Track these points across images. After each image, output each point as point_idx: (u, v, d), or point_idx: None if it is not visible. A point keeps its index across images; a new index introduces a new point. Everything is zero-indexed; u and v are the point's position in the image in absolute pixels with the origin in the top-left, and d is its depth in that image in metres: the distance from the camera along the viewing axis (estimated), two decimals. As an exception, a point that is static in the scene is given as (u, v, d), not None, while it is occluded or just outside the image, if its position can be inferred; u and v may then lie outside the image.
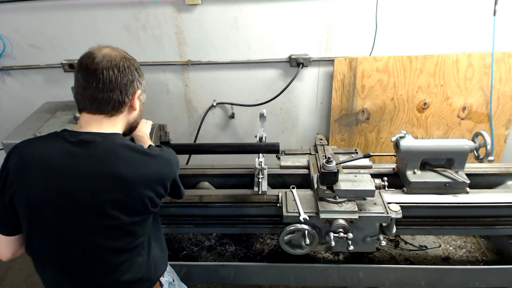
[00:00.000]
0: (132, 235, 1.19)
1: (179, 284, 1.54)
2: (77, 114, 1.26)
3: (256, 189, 1.91)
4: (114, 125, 1.19)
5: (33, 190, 1.10)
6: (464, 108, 2.51)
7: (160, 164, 1.21)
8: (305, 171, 2.09)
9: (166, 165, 1.24)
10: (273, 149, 1.93)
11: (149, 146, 1.34)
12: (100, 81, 1.11)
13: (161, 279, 1.37)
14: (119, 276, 1.21)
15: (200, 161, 2.93)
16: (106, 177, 1.10)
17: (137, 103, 1.23)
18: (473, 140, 1.91)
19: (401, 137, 1.88)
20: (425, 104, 2.52)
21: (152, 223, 1.28)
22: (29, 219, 1.12)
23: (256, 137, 2.02)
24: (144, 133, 1.52)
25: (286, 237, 1.79)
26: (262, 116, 2.06)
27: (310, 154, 2.19)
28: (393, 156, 1.99)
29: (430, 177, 1.89)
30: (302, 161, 2.14)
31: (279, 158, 2.17)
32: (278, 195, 1.87)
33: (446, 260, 2.36)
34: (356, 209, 1.67)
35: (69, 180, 1.09)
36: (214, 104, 2.65)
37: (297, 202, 1.78)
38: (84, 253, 1.16)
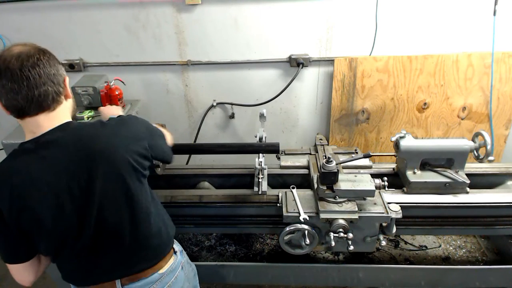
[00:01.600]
0: (137, 202, 1.24)
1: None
2: (30, 132, 1.18)
3: (256, 189, 1.91)
4: (61, 117, 1.19)
5: (35, 205, 1.11)
6: (464, 108, 2.51)
7: (125, 126, 1.25)
8: (305, 171, 2.09)
9: (132, 125, 1.28)
10: (273, 149, 1.92)
11: (109, 118, 1.34)
12: (30, 79, 1.07)
13: (174, 246, 1.46)
14: (139, 244, 1.29)
15: (200, 161, 2.93)
16: (85, 161, 1.13)
17: (69, 91, 1.24)
18: (473, 140, 1.91)
19: (401, 137, 1.88)
20: (425, 104, 2.52)
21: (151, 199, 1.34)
22: (43, 235, 1.16)
23: (256, 137, 2.02)
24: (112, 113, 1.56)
25: (286, 237, 1.79)
26: (262, 116, 2.06)
27: (310, 154, 2.19)
28: (393, 156, 1.99)
29: (430, 177, 1.89)
30: (302, 161, 2.14)
31: (279, 158, 2.17)
32: (278, 195, 1.87)
33: (446, 260, 2.36)
34: (356, 209, 1.67)
35: (57, 181, 1.11)
36: (214, 104, 2.66)
37: (297, 202, 1.78)
38: (103, 236, 1.22)
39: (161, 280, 1.37)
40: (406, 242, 2.47)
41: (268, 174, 2.03)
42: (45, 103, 1.12)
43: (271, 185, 2.07)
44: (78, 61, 2.51)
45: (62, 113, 1.20)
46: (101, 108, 1.70)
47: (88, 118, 2.01)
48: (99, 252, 1.26)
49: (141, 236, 1.29)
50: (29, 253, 1.23)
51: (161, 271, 1.36)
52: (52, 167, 1.12)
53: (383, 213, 1.70)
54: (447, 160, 1.92)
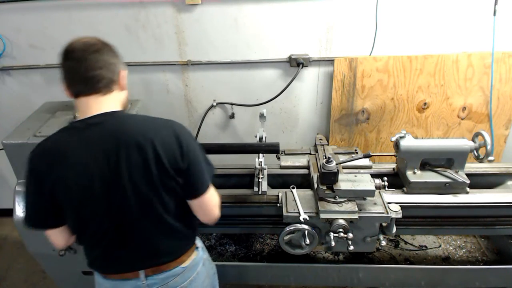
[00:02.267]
0: (165, 197, 1.25)
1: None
2: (77, 114, 1.28)
3: (256, 189, 1.91)
4: (111, 104, 1.26)
5: (69, 180, 1.19)
6: (464, 108, 2.51)
7: (171, 125, 1.28)
8: (305, 171, 2.09)
9: (177, 127, 1.28)
10: (273, 149, 1.92)
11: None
12: (88, 61, 1.20)
13: (197, 242, 1.49)
14: (164, 237, 1.32)
15: (200, 161, 2.92)
16: (122, 147, 1.17)
17: (125, 83, 1.32)
18: (473, 140, 1.91)
19: (401, 137, 1.88)
20: (425, 104, 2.52)
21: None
22: (75, 205, 1.23)
23: (256, 137, 2.02)
24: None
25: (286, 237, 1.79)
26: (262, 116, 2.06)
27: (310, 154, 2.19)
28: (393, 156, 1.99)
29: (430, 177, 1.89)
30: (302, 161, 2.14)
31: (279, 158, 2.17)
32: (278, 195, 1.87)
33: (446, 260, 2.35)
34: (356, 209, 1.67)
35: (92, 163, 1.18)
36: (214, 104, 2.66)
37: (297, 202, 1.78)
38: (128, 225, 1.26)
39: (183, 274, 1.39)
40: (406, 242, 2.47)
41: (268, 174, 2.03)
42: (98, 86, 1.22)
43: (271, 185, 2.07)
44: (78, 61, 2.51)
45: (113, 101, 1.27)
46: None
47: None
48: (124, 241, 1.29)
49: (166, 229, 1.31)
50: (57, 221, 1.31)
51: (183, 265, 1.39)
52: (92, 148, 1.18)
53: (383, 213, 1.70)
54: (447, 160, 1.92)
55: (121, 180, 1.19)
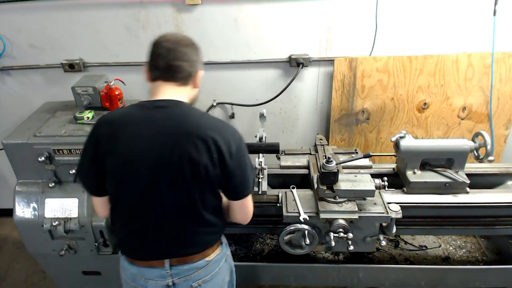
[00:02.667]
0: (211, 186, 1.30)
1: None
2: (153, 94, 1.37)
3: (256, 189, 1.91)
4: (182, 95, 1.35)
5: (121, 151, 1.26)
6: (464, 108, 2.51)
7: (225, 126, 1.34)
8: (305, 171, 2.09)
9: (230, 129, 1.34)
10: (273, 149, 1.92)
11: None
12: (177, 52, 1.31)
13: (221, 238, 1.52)
14: (197, 228, 1.35)
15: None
16: (180, 135, 1.24)
17: (199, 82, 1.42)
18: (473, 140, 1.91)
19: (401, 137, 1.88)
20: (425, 104, 2.52)
21: None
22: (118, 177, 1.29)
23: (256, 137, 2.02)
24: None
25: (286, 237, 1.79)
26: (262, 116, 2.06)
27: (310, 154, 2.19)
28: (393, 156, 1.99)
29: (430, 177, 1.89)
30: (302, 161, 2.14)
31: (279, 158, 2.17)
32: (278, 195, 1.87)
33: (446, 260, 2.36)
34: (356, 209, 1.67)
35: (147, 140, 1.25)
36: (214, 104, 2.66)
37: (297, 202, 1.78)
38: (165, 210, 1.30)
39: (207, 268, 1.41)
40: (406, 242, 2.47)
41: (268, 174, 2.03)
42: (177, 75, 1.33)
43: (271, 185, 2.07)
44: (78, 61, 2.51)
45: (184, 93, 1.36)
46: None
47: (88, 118, 2.01)
48: (157, 224, 1.32)
49: (200, 221, 1.35)
50: (100, 190, 1.39)
51: (207, 259, 1.41)
52: (152, 128, 1.25)
53: (383, 213, 1.70)
54: (447, 160, 1.92)
55: (170, 165, 1.23)
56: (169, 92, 1.33)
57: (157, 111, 1.28)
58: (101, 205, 1.44)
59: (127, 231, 1.38)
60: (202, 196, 1.30)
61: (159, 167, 1.24)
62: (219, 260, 1.47)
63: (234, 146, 1.29)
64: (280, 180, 2.11)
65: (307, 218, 1.71)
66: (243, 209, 1.43)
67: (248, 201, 1.42)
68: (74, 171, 1.90)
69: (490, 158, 1.85)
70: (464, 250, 2.42)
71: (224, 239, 1.55)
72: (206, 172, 1.25)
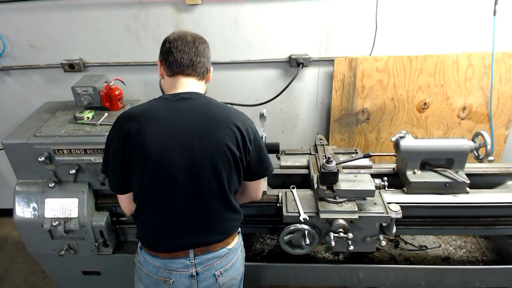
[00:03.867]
0: (238, 171, 1.38)
1: None
2: (172, 89, 1.43)
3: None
4: (199, 88, 1.43)
5: (152, 143, 1.28)
6: (464, 108, 2.51)
7: (244, 114, 1.43)
8: (305, 171, 2.09)
9: (248, 118, 1.43)
10: (273, 149, 1.92)
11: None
12: (197, 49, 1.39)
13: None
14: (220, 214, 1.40)
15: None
16: (208, 123, 1.31)
17: (210, 78, 1.51)
18: (473, 140, 1.91)
19: (401, 137, 1.88)
20: (425, 104, 2.52)
21: None
22: (150, 170, 1.30)
23: (256, 137, 2.02)
24: None
25: (286, 237, 1.79)
26: (262, 116, 2.06)
27: (310, 154, 2.19)
28: (393, 156, 1.99)
29: (430, 177, 1.89)
30: (302, 161, 2.14)
31: (279, 158, 2.17)
32: (278, 195, 1.87)
33: (446, 260, 2.35)
34: (356, 209, 1.67)
35: (178, 130, 1.29)
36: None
37: (297, 202, 1.78)
38: (191, 197, 1.33)
39: (227, 256, 1.46)
40: (406, 242, 2.47)
41: (268, 174, 2.03)
42: (198, 70, 1.41)
43: (271, 185, 2.07)
44: (78, 61, 2.51)
45: (200, 87, 1.45)
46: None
47: (88, 118, 2.01)
48: (187, 211, 1.35)
49: (227, 206, 1.41)
50: (127, 187, 1.42)
51: (229, 247, 1.46)
52: (180, 117, 1.31)
53: (383, 213, 1.70)
54: (447, 160, 1.92)
55: (202, 151, 1.29)
56: (190, 85, 1.40)
57: (183, 102, 1.34)
58: (128, 201, 1.47)
59: (155, 223, 1.39)
60: (230, 181, 1.36)
61: (192, 155, 1.29)
62: (237, 249, 1.52)
63: (252, 133, 1.39)
64: (280, 180, 2.11)
65: (307, 218, 1.71)
66: (258, 187, 1.55)
67: (263, 180, 1.57)
68: (74, 171, 1.90)
69: (490, 158, 1.85)
70: (464, 250, 2.42)
71: (239, 228, 1.58)
72: (233, 157, 1.33)
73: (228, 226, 1.45)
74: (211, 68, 1.50)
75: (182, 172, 1.30)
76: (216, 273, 1.43)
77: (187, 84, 1.40)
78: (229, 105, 1.44)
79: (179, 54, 1.37)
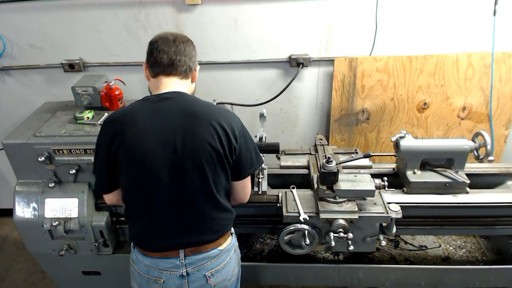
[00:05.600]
0: (218, 174, 1.37)
1: None
2: (155, 89, 1.46)
3: (256, 189, 1.91)
4: (182, 87, 1.43)
5: (134, 144, 1.30)
6: (464, 108, 2.51)
7: (229, 112, 1.45)
8: (305, 171, 2.09)
9: (234, 115, 1.45)
10: (273, 149, 1.92)
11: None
12: (177, 48, 1.40)
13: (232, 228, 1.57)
14: (210, 212, 1.40)
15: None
16: (189, 121, 1.31)
17: (196, 76, 1.51)
18: (473, 140, 1.91)
19: (401, 137, 1.88)
20: (425, 104, 2.52)
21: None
22: (134, 169, 1.33)
23: (256, 137, 2.02)
24: None
25: (286, 237, 1.79)
26: (262, 116, 2.06)
27: (310, 154, 2.19)
28: (393, 156, 1.99)
29: (430, 177, 1.89)
30: (302, 161, 2.14)
31: (279, 158, 2.17)
32: (278, 195, 1.87)
33: (446, 260, 2.35)
34: (356, 209, 1.67)
35: (159, 130, 1.30)
36: (214, 104, 2.65)
37: (297, 202, 1.78)
38: (179, 194, 1.34)
39: (219, 257, 1.46)
40: (406, 242, 2.47)
41: (268, 174, 2.03)
42: (179, 69, 1.41)
43: (271, 185, 2.07)
44: (78, 61, 2.51)
45: (184, 86, 1.44)
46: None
47: (88, 118, 2.01)
48: (175, 211, 1.36)
49: (216, 206, 1.40)
50: (111, 187, 1.45)
51: (220, 248, 1.46)
52: (161, 117, 1.32)
53: (383, 213, 1.70)
54: (447, 160, 1.92)
55: (184, 150, 1.29)
56: (172, 85, 1.40)
57: (164, 102, 1.35)
58: (113, 197, 1.49)
59: (144, 222, 1.40)
60: (215, 179, 1.36)
61: (174, 153, 1.29)
62: (230, 250, 1.51)
63: (237, 130, 1.38)
64: (280, 180, 2.11)
65: (307, 218, 1.71)
66: (245, 188, 1.52)
67: (249, 181, 1.53)
68: (74, 171, 1.90)
69: (490, 158, 1.84)
70: (464, 250, 2.42)
71: (232, 229, 1.58)
72: (217, 154, 1.32)
73: (218, 225, 1.44)
74: (197, 67, 1.50)
75: (165, 171, 1.31)
76: (207, 274, 1.43)
77: (169, 84, 1.41)
78: (216, 104, 1.44)
79: (158, 54, 1.39)
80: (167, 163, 1.30)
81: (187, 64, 1.43)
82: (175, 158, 1.30)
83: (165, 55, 1.39)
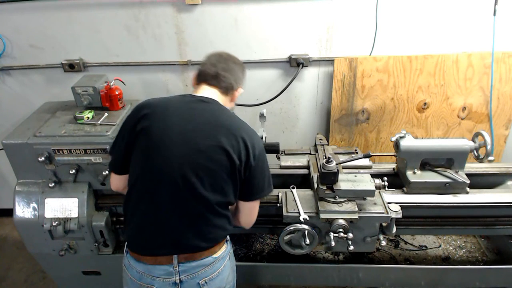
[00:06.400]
0: (234, 181, 1.37)
1: None
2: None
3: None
4: (222, 102, 1.50)
5: (156, 131, 1.34)
6: (464, 108, 2.51)
7: (255, 133, 1.46)
8: (305, 171, 2.09)
9: (259, 137, 1.47)
10: (273, 149, 1.92)
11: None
12: (226, 65, 1.53)
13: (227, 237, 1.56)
14: (208, 217, 1.38)
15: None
16: (216, 127, 1.35)
17: (236, 98, 1.60)
18: (473, 140, 1.91)
19: (401, 137, 1.88)
20: (425, 104, 2.52)
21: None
22: (147, 155, 1.35)
23: (256, 137, 2.02)
24: None
25: (286, 237, 1.79)
26: (262, 116, 2.06)
27: (310, 154, 2.19)
28: (393, 156, 1.99)
29: (430, 177, 1.89)
30: (302, 161, 2.14)
31: (279, 158, 2.17)
32: (278, 195, 1.87)
33: (446, 260, 2.35)
34: (356, 209, 1.67)
35: (186, 125, 1.34)
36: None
37: (297, 202, 1.78)
38: (185, 188, 1.33)
39: (213, 265, 1.44)
40: (406, 242, 2.47)
41: (268, 174, 2.03)
42: (222, 84, 1.51)
43: (271, 185, 2.06)
44: (78, 61, 2.51)
45: (222, 100, 1.52)
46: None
47: (88, 118, 2.01)
48: (167, 209, 1.35)
49: (215, 214, 1.39)
50: (122, 169, 1.47)
51: (214, 256, 1.44)
52: (191, 116, 1.36)
53: (383, 213, 1.70)
54: (447, 160, 1.92)
55: (199, 151, 1.31)
56: (212, 94, 1.49)
57: (199, 103, 1.41)
58: (118, 181, 1.52)
59: (138, 220, 1.39)
60: (223, 188, 1.36)
61: (189, 151, 1.31)
62: (224, 258, 1.49)
63: (258, 150, 1.40)
64: (280, 180, 2.11)
65: (307, 218, 1.71)
66: (251, 212, 1.52)
67: (257, 205, 1.52)
68: (74, 171, 1.90)
69: (490, 158, 1.84)
70: (464, 250, 2.42)
71: (227, 237, 1.56)
72: (232, 165, 1.34)
73: (213, 233, 1.42)
74: (240, 90, 1.58)
75: (171, 168, 1.32)
76: (200, 282, 1.41)
77: (209, 92, 1.49)
78: (243, 120, 1.46)
79: (208, 66, 1.51)
80: (179, 160, 1.31)
81: (230, 82, 1.51)
82: (188, 156, 1.31)
83: (213, 68, 1.50)
